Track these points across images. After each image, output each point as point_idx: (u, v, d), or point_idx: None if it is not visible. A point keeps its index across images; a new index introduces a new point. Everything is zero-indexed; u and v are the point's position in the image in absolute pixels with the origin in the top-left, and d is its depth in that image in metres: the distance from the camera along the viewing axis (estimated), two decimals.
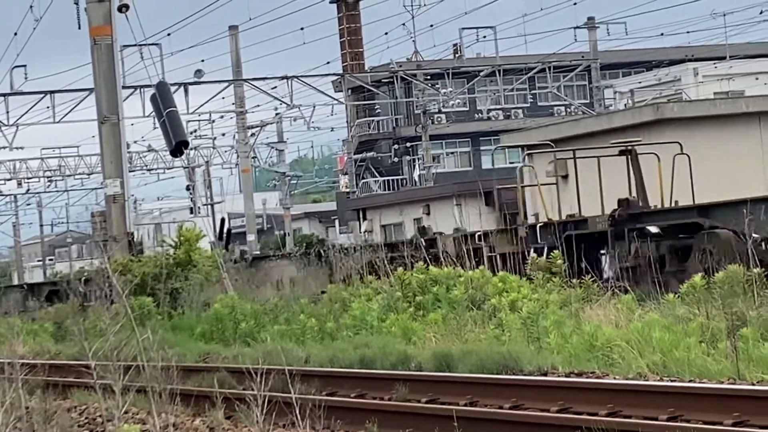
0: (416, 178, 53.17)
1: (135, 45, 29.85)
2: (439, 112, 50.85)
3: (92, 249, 53.82)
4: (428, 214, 40.44)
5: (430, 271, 15.97)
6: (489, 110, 52.09)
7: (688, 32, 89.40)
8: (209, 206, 52.10)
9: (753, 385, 8.91)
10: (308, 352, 13.39)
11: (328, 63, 56.12)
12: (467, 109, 53.92)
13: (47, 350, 18.38)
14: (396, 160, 56.43)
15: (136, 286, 19.22)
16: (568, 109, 52.82)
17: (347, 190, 52.06)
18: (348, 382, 11.07)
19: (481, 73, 45.55)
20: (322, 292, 18.23)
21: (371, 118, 57.63)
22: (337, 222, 53.83)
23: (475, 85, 47.44)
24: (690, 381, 9.48)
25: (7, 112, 39.53)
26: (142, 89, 37.40)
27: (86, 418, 11.08)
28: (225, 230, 35.56)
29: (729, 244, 15.55)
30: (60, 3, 27.36)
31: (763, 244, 15.29)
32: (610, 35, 49.06)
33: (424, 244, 21.33)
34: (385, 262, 17.70)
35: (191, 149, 49.22)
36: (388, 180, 56.19)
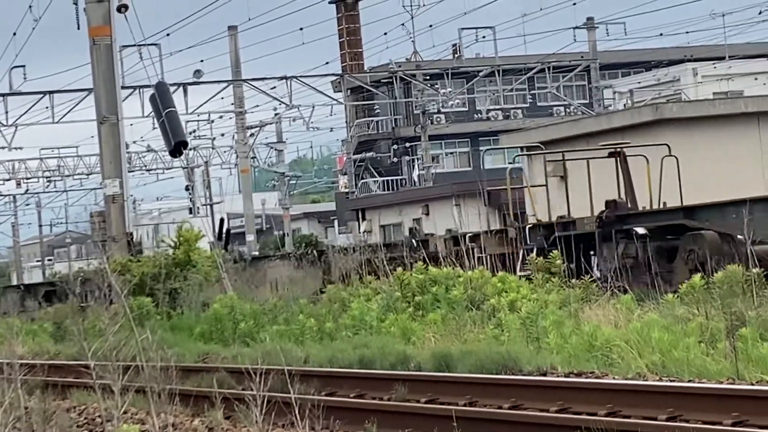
0: (415, 179, 53.19)
1: (134, 45, 29.91)
2: (439, 112, 50.87)
3: (91, 249, 53.83)
4: (427, 214, 40.45)
5: (430, 271, 15.97)
6: (488, 110, 52.12)
7: (687, 32, 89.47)
8: (208, 206, 52.12)
9: (752, 385, 8.91)
10: (307, 352, 13.39)
11: (327, 63, 56.27)
12: (466, 109, 53.93)
13: (46, 350, 18.37)
14: (395, 160, 56.44)
15: (135, 287, 19.22)
16: (568, 110, 52.84)
17: (346, 190, 52.08)
18: (347, 382, 11.07)
19: (481, 74, 45.56)
20: (321, 291, 18.24)
21: (370, 119, 57.64)
22: (336, 222, 53.84)
23: (475, 85, 47.45)
24: (689, 381, 9.48)
25: (6, 113, 39.57)
26: (141, 89, 37.41)
27: (85, 418, 11.08)
28: (224, 230, 35.56)
29: (714, 245, 15.72)
30: (59, 3, 27.40)
31: (748, 245, 15.48)
32: (609, 35, 49.13)
33: (414, 245, 21.42)
34: (385, 262, 17.72)
35: (190, 149, 49.24)
36: (387, 180, 56.21)
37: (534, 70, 45.38)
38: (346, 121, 54.08)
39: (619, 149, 20.14)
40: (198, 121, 49.51)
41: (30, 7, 30.78)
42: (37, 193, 62.92)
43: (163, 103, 24.49)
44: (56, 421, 9.48)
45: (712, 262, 14.13)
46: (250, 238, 45.34)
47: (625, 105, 43.23)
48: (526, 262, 16.72)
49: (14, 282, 61.76)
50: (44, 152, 54.95)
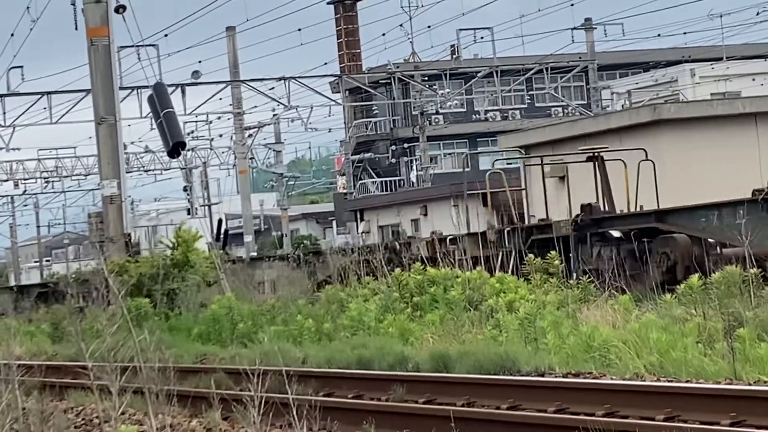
0: (413, 179, 53.19)
1: (132, 46, 29.91)
2: (437, 113, 50.87)
3: (89, 250, 53.79)
4: (425, 215, 40.46)
5: (428, 271, 15.98)
6: (486, 111, 52.12)
7: (685, 33, 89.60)
8: (207, 207, 52.09)
9: (750, 385, 8.92)
10: (305, 352, 13.39)
11: (325, 64, 56.02)
12: (464, 110, 53.94)
13: (44, 351, 18.36)
14: (393, 161, 56.44)
15: (133, 287, 19.21)
16: (566, 110, 52.85)
17: (345, 191, 52.06)
18: (345, 382, 11.07)
19: (479, 74, 45.56)
20: (318, 286, 18.26)
21: (369, 119, 57.64)
22: (334, 223, 53.83)
23: (473, 86, 47.45)
24: (687, 381, 9.49)
25: (4, 113, 39.52)
26: (139, 90, 37.38)
27: (83, 419, 11.08)
28: (222, 231, 35.55)
29: (686, 248, 15.96)
30: (57, 4, 27.41)
31: (717, 247, 15.74)
32: (607, 36, 49.18)
33: (397, 247, 21.57)
34: (383, 262, 17.75)
35: (188, 150, 49.24)
36: (385, 181, 56.20)
37: (532, 71, 45.39)
38: (345, 122, 54.08)
39: (596, 153, 20.52)
40: (196, 121, 49.51)
41: (28, 7, 30.77)
42: (35, 193, 62.93)
43: (161, 104, 24.48)
44: (54, 422, 9.47)
45: (683, 264, 14.42)
46: (249, 238, 45.32)
47: (623, 106, 43.25)
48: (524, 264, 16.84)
49: (12, 283, 61.72)
50: (42, 153, 54.96)
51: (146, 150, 54.06)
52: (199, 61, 58.31)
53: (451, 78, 46.16)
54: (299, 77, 42.14)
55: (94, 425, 10.49)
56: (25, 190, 60.05)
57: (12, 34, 36.44)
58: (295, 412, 8.18)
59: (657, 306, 12.33)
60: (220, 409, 9.71)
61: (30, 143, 78.07)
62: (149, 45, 32.54)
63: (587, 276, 14.82)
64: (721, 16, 54.93)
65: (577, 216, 18.28)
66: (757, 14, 48.25)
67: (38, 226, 71.44)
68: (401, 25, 50.34)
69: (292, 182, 58.46)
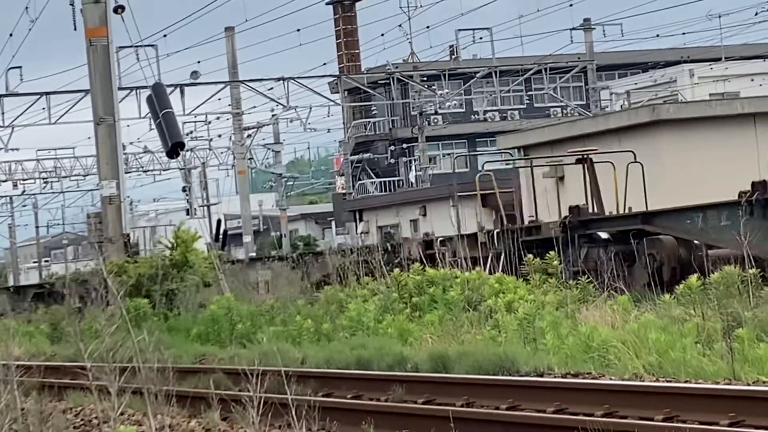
0: (412, 180, 53.19)
1: (131, 46, 29.85)
2: (436, 113, 50.87)
3: (88, 251, 53.80)
4: (425, 215, 40.46)
5: (427, 272, 15.98)
6: (485, 111, 52.11)
7: (683, 34, 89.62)
8: (205, 208, 52.07)
9: (749, 385, 8.92)
10: (305, 353, 13.39)
11: (324, 64, 56.25)
12: (463, 110, 53.95)
13: (43, 352, 18.36)
14: (392, 161, 56.44)
15: (132, 288, 19.21)
16: (565, 111, 52.86)
17: (344, 191, 52.06)
18: (344, 383, 11.07)
19: (478, 75, 45.57)
20: (317, 286, 18.28)
21: (368, 120, 57.64)
22: (333, 223, 53.83)
23: (472, 86, 47.46)
24: (686, 381, 9.49)
25: (3, 114, 39.50)
26: (138, 90, 37.37)
27: (82, 419, 11.07)
28: (221, 232, 35.57)
29: (672, 249, 16.13)
30: (56, 4, 27.42)
31: (703, 248, 15.96)
32: (606, 36, 49.17)
33: (388, 248, 21.66)
34: (382, 263, 17.77)
35: (187, 151, 49.21)
36: (384, 181, 56.20)
37: (531, 72, 45.39)
38: (344, 122, 54.08)
39: (586, 156, 20.73)
40: (195, 122, 49.48)
41: (26, 8, 30.77)
42: (33, 194, 62.89)
43: (160, 105, 24.47)
44: (53, 422, 9.47)
45: (670, 265, 14.64)
46: (248, 239, 45.32)
47: (621, 106, 43.25)
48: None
49: (11, 283, 61.70)
50: (41, 153, 54.93)
51: (145, 150, 54.06)
52: (198, 62, 58.47)
53: (449, 78, 46.16)
54: (298, 77, 42.15)
55: (93, 426, 10.49)
56: (23, 191, 60.06)
57: (11, 35, 36.43)
58: (294, 413, 8.18)
59: (656, 306, 12.34)
60: (219, 409, 9.71)
61: (29, 144, 78.21)
62: (148, 45, 32.53)
63: (576, 277, 14.95)
64: (719, 17, 54.95)
65: (565, 218, 18.45)
66: (756, 14, 48.28)
67: (37, 227, 71.45)
68: (400, 26, 50.37)
69: (291, 182, 58.44)
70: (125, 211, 23.76)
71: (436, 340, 13.28)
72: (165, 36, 47.33)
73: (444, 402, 9.66)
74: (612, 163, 21.09)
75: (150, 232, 60.70)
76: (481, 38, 46.21)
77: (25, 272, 74.99)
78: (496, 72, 44.40)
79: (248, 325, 16.71)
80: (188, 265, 21.20)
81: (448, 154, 56.70)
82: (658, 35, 77.00)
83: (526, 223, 21.90)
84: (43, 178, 56.17)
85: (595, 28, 47.84)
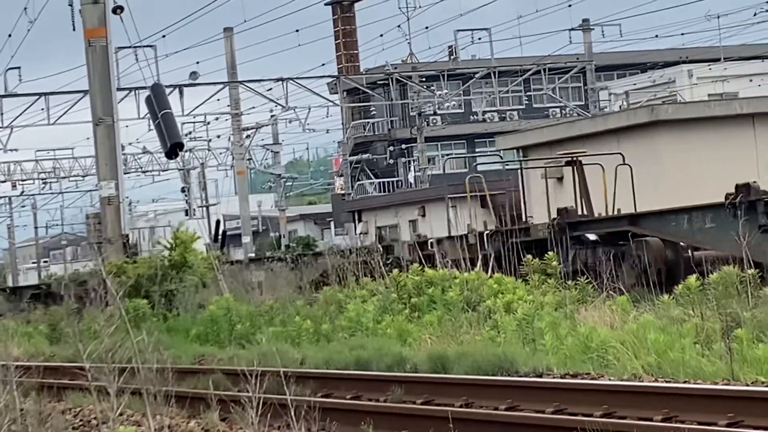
0: (411, 180, 53.19)
1: (130, 47, 29.87)
2: (435, 114, 50.87)
3: (87, 251, 53.79)
4: (423, 215, 40.46)
5: (426, 272, 15.99)
6: (484, 112, 52.10)
7: (682, 34, 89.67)
8: (204, 208, 52.06)
9: (747, 385, 8.93)
10: (304, 353, 13.39)
11: (323, 65, 56.37)
12: (462, 110, 53.95)
13: (42, 352, 18.35)
14: (391, 161, 56.43)
15: (131, 288, 19.20)
16: (564, 111, 52.88)
17: (342, 192, 52.06)
18: (343, 383, 11.07)
19: (476, 75, 45.57)
20: (317, 286, 18.29)
21: (366, 120, 57.64)
22: (332, 224, 53.83)
23: (471, 86, 47.47)
24: (684, 382, 9.50)
25: (2, 114, 39.51)
26: (137, 91, 37.36)
27: (81, 420, 11.07)
28: (220, 232, 35.57)
29: (658, 251, 16.31)
30: (54, 5, 27.39)
31: (689, 250, 16.15)
32: (604, 37, 49.23)
33: (380, 249, 21.73)
34: (380, 264, 17.78)
35: (186, 151, 49.22)
36: (383, 182, 56.19)
37: (530, 72, 45.40)
38: (342, 123, 54.08)
39: (575, 158, 20.95)
40: (194, 122, 49.49)
41: (25, 8, 30.78)
42: (32, 194, 62.88)
43: (159, 105, 24.47)
44: (52, 423, 9.47)
45: (656, 267, 14.84)
46: (247, 239, 45.31)
47: (620, 107, 43.27)
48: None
49: (10, 284, 61.67)
50: (40, 154, 54.92)
51: (144, 151, 54.04)
52: (197, 62, 58.50)
53: (448, 79, 46.16)
54: (297, 78, 42.15)
55: (92, 426, 10.49)
56: (22, 191, 60.05)
57: (9, 35, 36.42)
58: (293, 413, 8.18)
59: (655, 307, 12.34)
60: (219, 409, 9.71)
61: (27, 144, 78.21)
62: (147, 46, 32.58)
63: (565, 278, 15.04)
64: (718, 17, 54.97)
65: (554, 219, 18.60)
66: (755, 15, 48.26)
67: (36, 227, 71.42)
68: (399, 26, 50.36)
69: (290, 183, 58.42)
70: (124, 212, 23.76)
71: (435, 340, 13.28)
72: (164, 36, 47.39)
73: (443, 402, 9.66)
74: (601, 165, 21.26)
75: (149, 233, 60.70)
76: (480, 39, 46.27)
77: (24, 273, 74.94)
78: (495, 72, 44.41)
79: (247, 325, 16.70)
80: (187, 266, 21.20)
81: (447, 155, 56.70)
82: (656, 36, 77.09)
83: (527, 223, 21.99)
84: (42, 179, 56.18)
85: (593, 29, 47.87)
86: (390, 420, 9.06)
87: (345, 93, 51.59)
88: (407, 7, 48.04)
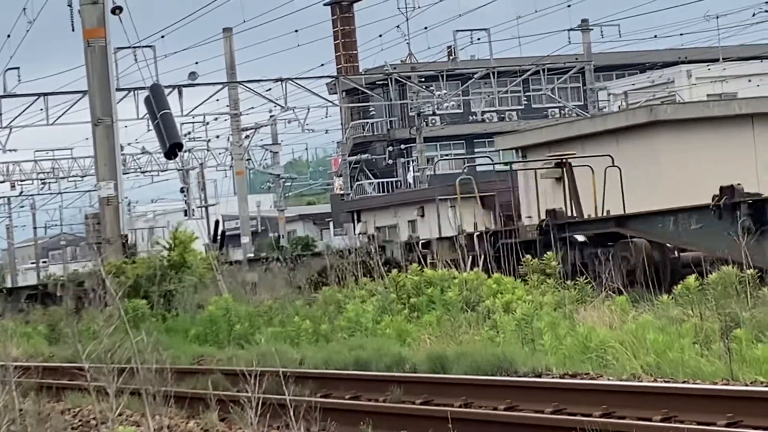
0: (410, 180, 53.20)
1: (129, 47, 29.87)
2: (434, 114, 50.87)
3: (86, 251, 53.78)
4: (422, 216, 40.47)
5: (425, 272, 15.99)
6: (483, 112, 52.13)
7: (681, 34, 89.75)
8: (203, 209, 52.06)
9: (746, 385, 8.93)
10: (303, 354, 13.39)
11: (322, 65, 56.40)
12: (461, 111, 53.96)
13: (41, 353, 18.35)
14: (390, 162, 56.44)
15: (130, 289, 19.20)
16: (562, 111, 52.89)
17: (342, 192, 52.06)
18: (343, 383, 11.08)
19: (475, 75, 45.58)
20: (315, 288, 18.29)
21: (365, 120, 57.64)
22: (331, 224, 53.83)
23: (470, 87, 47.48)
24: (684, 382, 9.50)
25: (1, 115, 39.50)
26: (135, 91, 37.36)
27: (80, 420, 11.07)
28: (219, 232, 35.54)
29: (645, 252, 16.77)
30: (53, 5, 27.37)
31: (675, 252, 16.32)
32: (603, 37, 49.14)
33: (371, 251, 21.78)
34: (379, 264, 17.78)
35: (185, 151, 49.21)
36: (382, 182, 56.19)
37: (529, 72, 45.41)
38: (341, 123, 54.08)
39: (565, 160, 21.11)
40: (193, 123, 49.47)
41: (24, 9, 30.78)
42: (31, 195, 62.87)
43: (158, 105, 24.46)
44: (51, 423, 9.47)
45: (643, 267, 15.01)
46: (246, 240, 45.31)
47: (619, 107, 43.29)
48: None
49: (9, 285, 61.64)
50: (39, 154, 54.91)
51: (143, 151, 54.04)
52: (196, 63, 58.56)
53: (447, 79, 46.16)
54: (296, 78, 42.14)
55: (91, 426, 10.49)
56: (21, 192, 60.04)
57: (8, 35, 36.43)
58: (292, 413, 8.18)
59: (654, 307, 12.35)
60: (218, 410, 9.71)
61: (26, 144, 78.23)
62: (146, 46, 32.57)
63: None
64: (717, 18, 54.94)
65: (542, 221, 18.77)
66: (754, 15, 48.26)
67: (35, 228, 71.41)
68: (398, 27, 50.35)
69: (289, 183, 58.42)
70: (123, 212, 23.75)
71: (434, 340, 13.28)
72: (163, 37, 47.39)
73: (442, 402, 9.66)
74: (590, 167, 21.41)
75: (148, 233, 60.68)
76: (479, 39, 46.28)
77: (23, 273, 74.93)
78: (494, 73, 44.42)
79: (246, 325, 16.70)
80: (186, 266, 21.20)
81: (446, 155, 56.70)
82: (655, 36, 77.10)
83: (516, 224, 22.11)
84: (41, 179, 56.17)
85: (592, 29, 47.89)
86: (389, 420, 9.06)
87: (344, 93, 51.59)
88: (406, 8, 48.07)
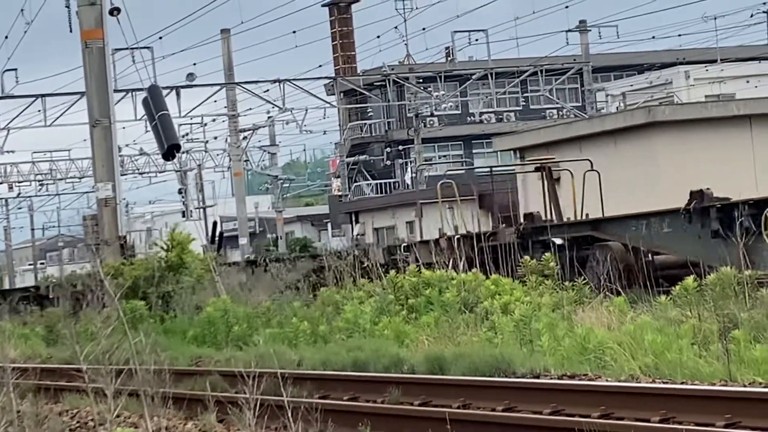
0: (408, 181, 53.21)
1: (126, 48, 29.87)
2: (432, 115, 50.87)
3: (84, 253, 53.75)
4: (420, 216, 40.45)
5: (423, 273, 15.99)
6: (481, 113, 52.18)
7: (679, 35, 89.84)
8: (201, 210, 52.05)
9: (745, 386, 8.93)
10: (301, 355, 13.39)
11: (320, 66, 56.41)
12: (459, 112, 53.97)
13: (39, 354, 18.33)
14: (388, 163, 56.44)
15: (128, 290, 19.18)
16: (560, 112, 52.91)
17: (340, 193, 52.06)
18: (341, 385, 11.07)
19: (474, 76, 45.60)
20: (314, 295, 18.27)
21: (363, 122, 57.64)
22: (329, 225, 53.84)
23: (468, 88, 47.49)
24: (682, 383, 9.50)
25: None
26: (133, 93, 37.36)
27: (78, 421, 11.06)
28: (217, 234, 35.51)
29: (620, 255, 17.12)
30: (51, 6, 27.35)
31: (649, 255, 16.53)
32: (601, 38, 49.25)
33: (356, 254, 21.83)
34: (379, 265, 17.80)
35: (183, 153, 49.17)
36: (380, 183, 56.20)
37: (527, 73, 45.44)
38: (339, 124, 54.12)
39: (544, 164, 21.36)
40: (191, 124, 49.46)
41: (22, 10, 30.78)
42: (29, 196, 62.84)
43: (155, 107, 24.45)
44: (49, 424, 9.47)
45: (618, 270, 15.28)
46: (243, 241, 45.31)
47: (617, 108, 43.31)
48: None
49: (6, 287, 61.57)
50: (36, 156, 54.89)
51: (141, 152, 54.04)
52: (194, 64, 58.63)
53: (445, 80, 46.18)
54: (294, 79, 42.15)
55: (89, 428, 10.48)
56: (19, 193, 60.00)
57: (6, 37, 36.46)
58: (290, 415, 8.17)
59: (652, 308, 12.35)
60: (216, 411, 9.70)
61: (24, 146, 78.24)
62: (144, 47, 32.54)
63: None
64: (715, 18, 55.19)
65: (520, 224, 19.09)
66: (752, 16, 48.44)
67: (32, 229, 71.38)
68: (396, 28, 50.47)
69: (287, 184, 58.43)
70: (121, 214, 23.74)
71: (432, 341, 13.28)
72: (161, 38, 47.55)
73: (440, 403, 9.66)
74: (570, 170, 21.60)
75: (146, 234, 60.67)
76: (477, 40, 46.29)
77: (20, 275, 74.89)
78: (491, 74, 44.43)
79: (244, 327, 16.69)
80: (184, 267, 21.19)
81: (444, 156, 56.72)
82: (653, 37, 77.17)
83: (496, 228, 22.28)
84: (39, 181, 56.14)
85: (590, 30, 47.94)
86: (387, 421, 9.06)
87: (342, 94, 51.61)
88: (404, 9, 48.11)
